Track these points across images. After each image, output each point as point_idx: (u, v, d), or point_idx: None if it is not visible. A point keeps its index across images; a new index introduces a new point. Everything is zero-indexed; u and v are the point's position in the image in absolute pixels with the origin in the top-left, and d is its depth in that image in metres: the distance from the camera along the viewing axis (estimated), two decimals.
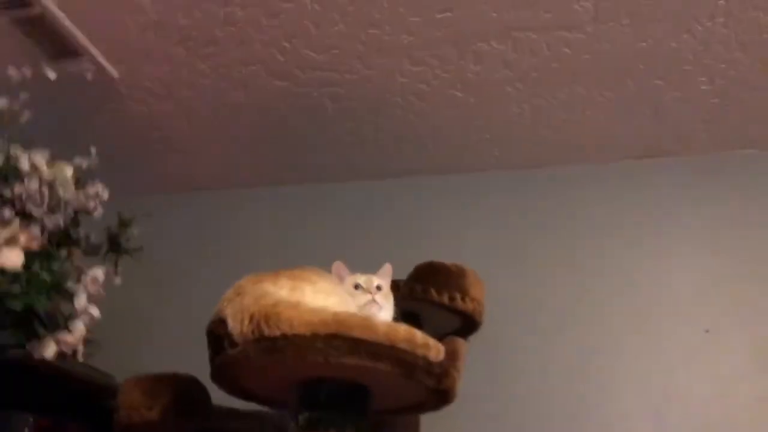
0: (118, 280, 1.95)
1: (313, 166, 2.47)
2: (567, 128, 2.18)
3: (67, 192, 1.64)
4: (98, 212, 1.81)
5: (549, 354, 2.11)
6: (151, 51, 1.97)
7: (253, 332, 1.31)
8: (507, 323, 2.17)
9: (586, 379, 2.06)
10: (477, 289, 1.93)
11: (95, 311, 1.83)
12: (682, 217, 2.20)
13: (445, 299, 1.85)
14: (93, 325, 1.85)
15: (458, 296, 1.86)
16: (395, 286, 1.80)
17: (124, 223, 1.90)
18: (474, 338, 2.13)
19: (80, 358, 1.81)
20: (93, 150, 1.83)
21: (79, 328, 1.77)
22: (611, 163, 2.33)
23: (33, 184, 1.59)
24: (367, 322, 1.30)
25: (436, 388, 1.39)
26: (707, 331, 2.04)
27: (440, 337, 2.04)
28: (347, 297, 1.50)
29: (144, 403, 1.80)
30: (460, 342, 1.43)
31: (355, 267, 2.30)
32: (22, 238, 1.62)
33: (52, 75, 1.94)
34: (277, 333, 1.28)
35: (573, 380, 2.06)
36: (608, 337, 2.10)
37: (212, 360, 1.43)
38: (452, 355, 1.39)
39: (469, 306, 1.89)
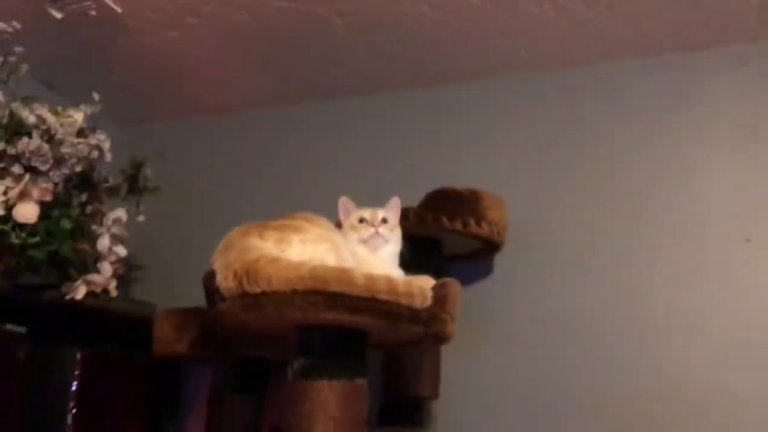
0: (141, 218, 2.01)
1: (330, 83, 2.39)
2: (594, 24, 1.99)
3: (68, 146, 1.65)
4: (108, 158, 1.83)
5: (582, 271, 2.04)
6: None
7: (236, 288, 1.32)
8: (536, 240, 2.10)
9: (621, 295, 1.98)
10: (494, 212, 1.87)
11: (121, 250, 1.91)
12: (720, 116, 2.00)
13: (458, 225, 1.82)
14: (120, 262, 1.92)
15: (472, 221, 1.82)
16: (405, 215, 1.76)
17: (138, 165, 1.93)
18: (501, 256, 2.11)
19: (112, 293, 1.91)
20: (96, 96, 1.83)
21: (106, 268, 1.85)
22: (645, 59, 2.12)
23: (35, 141, 1.61)
24: (345, 275, 1.28)
25: (425, 333, 1.37)
26: (748, 241, 1.90)
27: (462, 258, 2.03)
28: (340, 241, 1.49)
29: (174, 336, 1.90)
30: (450, 285, 1.39)
31: (373, 186, 2.28)
32: (35, 192, 1.67)
33: (57, 15, 1.93)
34: (258, 290, 1.29)
35: (607, 297, 1.99)
36: (643, 251, 2.00)
37: (208, 311, 1.47)
38: (441, 300, 1.36)
39: (485, 230, 1.84)
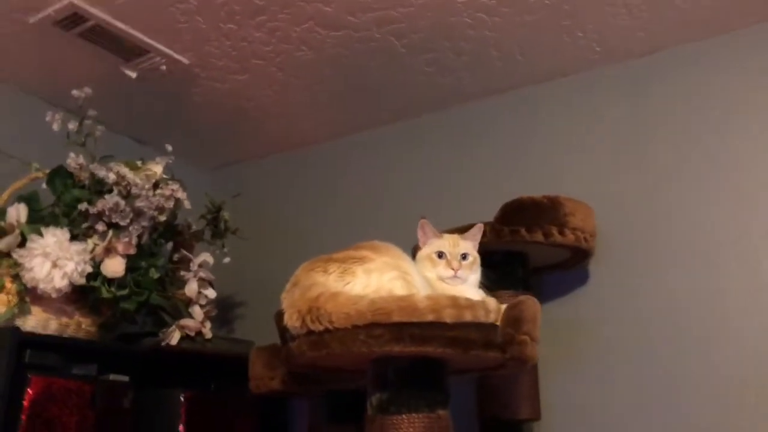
0: (227, 260, 2.06)
1: (396, 105, 2.37)
2: (671, 4, 1.85)
3: (143, 200, 1.71)
4: (186, 205, 1.88)
5: (683, 274, 1.88)
6: (207, 33, 1.97)
7: (301, 327, 1.30)
8: (632, 245, 1.97)
9: (726, 298, 1.81)
10: (578, 218, 1.78)
11: (211, 293, 1.96)
12: None
13: (539, 236, 1.73)
14: (210, 304, 1.97)
15: (554, 230, 1.73)
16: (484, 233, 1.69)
17: (216, 208, 1.97)
18: (596, 263, 1.98)
19: (207, 335, 1.95)
20: (169, 147, 1.89)
21: (197, 312, 1.90)
22: (730, 34, 1.94)
23: (112, 199, 1.68)
24: (406, 302, 1.23)
25: (504, 357, 1.30)
26: None
27: (554, 268, 1.93)
28: (408, 268, 1.44)
29: (266, 374, 1.92)
30: (525, 304, 1.31)
31: (449, 203, 2.23)
32: (119, 246, 1.75)
33: (132, 74, 2.03)
34: (321, 327, 1.27)
35: (711, 301, 1.82)
36: (748, 250, 1.82)
37: (280, 347, 1.46)
38: (515, 321, 1.28)
39: (569, 238, 1.75)
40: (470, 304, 1.23)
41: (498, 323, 1.31)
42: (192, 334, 1.95)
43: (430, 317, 1.22)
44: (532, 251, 1.87)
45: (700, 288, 1.84)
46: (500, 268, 1.79)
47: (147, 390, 1.97)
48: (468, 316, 1.21)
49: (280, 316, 1.43)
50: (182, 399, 2.00)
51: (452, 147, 2.33)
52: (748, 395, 1.71)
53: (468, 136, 2.32)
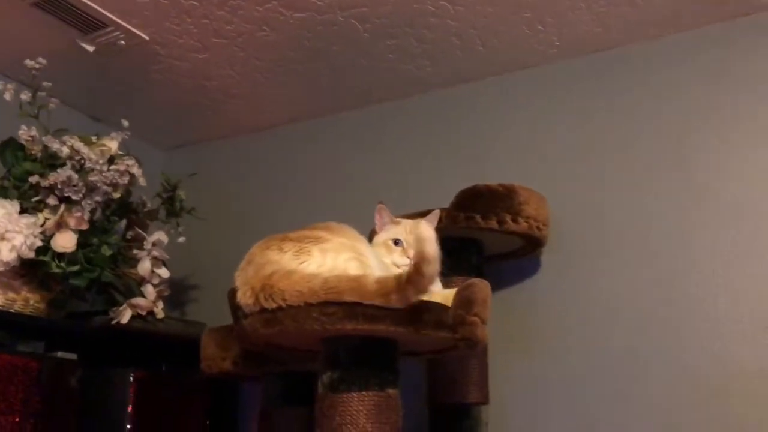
0: (181, 239, 2.04)
1: (357, 90, 2.37)
2: (629, 4, 1.89)
3: (97, 174, 1.69)
4: (141, 182, 1.86)
5: (633, 264, 1.93)
6: (168, 9, 1.95)
7: (254, 304, 1.30)
8: (583, 235, 2.02)
9: (675, 288, 1.87)
10: (531, 206, 1.81)
11: (164, 272, 1.94)
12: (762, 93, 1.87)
13: (494, 224, 1.76)
14: (164, 284, 1.95)
15: (508, 218, 1.76)
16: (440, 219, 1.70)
17: (172, 187, 1.95)
18: (549, 253, 2.02)
19: (159, 315, 1.93)
20: (125, 122, 1.87)
21: (149, 291, 1.88)
22: (690, 31, 2.00)
23: (65, 172, 1.65)
24: (357, 283, 1.25)
25: (455, 338, 1.32)
26: None
27: (506, 256, 1.97)
28: (364, 249, 1.45)
29: (218, 355, 1.91)
30: (476, 286, 1.33)
31: (407, 189, 2.25)
32: (71, 221, 1.72)
33: (89, 48, 1.99)
34: (273, 305, 1.27)
35: (661, 291, 1.89)
36: (698, 240, 1.88)
37: (234, 327, 1.46)
38: (466, 302, 1.30)
39: (522, 226, 1.78)
40: (409, 279, 1.24)
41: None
42: (143, 313, 1.93)
43: (378, 301, 1.23)
44: (486, 239, 1.90)
45: (645, 278, 1.90)
46: (455, 255, 1.80)
47: (95, 369, 1.95)
48: (412, 295, 1.22)
49: (233, 293, 1.43)
50: (131, 379, 1.98)
51: (412, 134, 2.35)
52: (696, 378, 1.77)
53: (427, 124, 2.34)
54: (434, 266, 1.21)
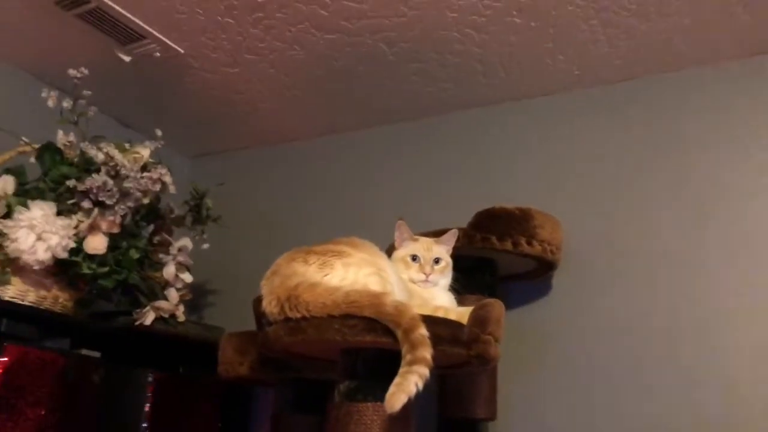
0: (205, 246, 2.11)
1: (381, 109, 2.45)
2: (648, 36, 1.96)
3: (132, 181, 1.76)
4: (171, 190, 1.93)
5: (644, 287, 1.99)
6: (205, 25, 2.03)
7: (279, 313, 1.37)
8: (595, 258, 2.07)
9: (685, 312, 1.92)
10: (546, 230, 1.86)
11: (187, 277, 2.01)
12: None
13: (509, 245, 1.82)
14: (186, 288, 2.02)
15: (523, 241, 1.81)
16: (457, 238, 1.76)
17: (200, 195, 2.02)
18: (560, 275, 2.08)
19: (180, 318, 2.00)
20: (159, 132, 1.94)
21: (173, 295, 1.95)
22: (705, 67, 2.06)
23: (101, 178, 1.72)
24: (376, 300, 1.31)
25: (468, 355, 1.38)
26: None
27: (519, 277, 2.02)
28: (385, 265, 1.51)
29: (236, 359, 1.98)
30: (491, 306, 1.40)
31: (426, 208, 2.31)
32: (103, 225, 1.79)
33: (126, 58, 2.07)
34: (298, 315, 1.34)
35: (671, 314, 1.94)
36: (709, 265, 1.93)
37: (253, 333, 1.53)
38: (481, 321, 1.36)
39: (536, 249, 1.84)
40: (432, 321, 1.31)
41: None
42: (166, 315, 1.99)
43: (391, 325, 1.29)
44: (500, 259, 1.96)
45: (654, 302, 1.96)
46: (470, 274, 1.86)
47: (117, 368, 2.01)
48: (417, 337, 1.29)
49: (258, 302, 1.50)
50: (150, 379, 2.05)
51: (431, 154, 2.42)
52: (707, 404, 1.81)
53: (447, 145, 2.41)
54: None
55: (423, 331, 1.26)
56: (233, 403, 2.32)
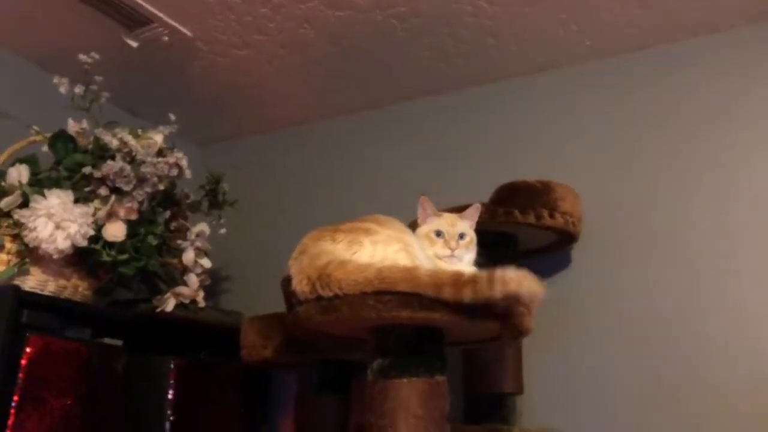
0: (223, 231, 2.09)
1: (393, 87, 2.42)
2: (664, 4, 1.94)
3: (149, 166, 1.74)
4: (187, 175, 1.91)
5: (663, 261, 1.98)
6: (212, 6, 1.99)
7: (311, 292, 1.35)
8: (614, 231, 2.06)
9: (705, 285, 1.91)
10: (567, 203, 1.85)
11: (206, 262, 1.99)
12: None
13: (531, 218, 1.80)
14: (206, 273, 2.00)
15: (545, 213, 1.80)
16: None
17: (216, 180, 2.00)
18: (579, 249, 2.07)
19: (201, 304, 1.99)
20: (172, 117, 1.92)
21: (193, 280, 1.93)
22: (719, 33, 2.04)
23: (118, 164, 1.70)
24: (410, 274, 1.29)
25: (502, 328, 1.37)
26: None
27: (539, 251, 2.01)
28: (411, 240, 1.49)
29: (259, 343, 1.97)
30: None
31: (445, 185, 2.29)
32: (121, 211, 1.77)
33: (133, 43, 2.04)
34: (330, 293, 1.32)
35: (690, 287, 1.93)
36: (729, 238, 1.92)
37: (287, 315, 1.51)
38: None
39: (559, 221, 1.82)
40: (471, 280, 1.29)
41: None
42: (186, 301, 1.98)
43: (430, 292, 1.28)
44: (521, 233, 1.94)
45: (675, 276, 1.95)
46: (491, 249, 1.84)
47: (138, 355, 2.00)
48: (467, 294, 1.27)
49: (287, 281, 1.48)
50: (172, 366, 2.03)
51: (447, 131, 2.40)
52: (721, 377, 1.81)
53: (462, 121, 2.39)
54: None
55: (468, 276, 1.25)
56: (254, 387, 2.31)
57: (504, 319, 1.35)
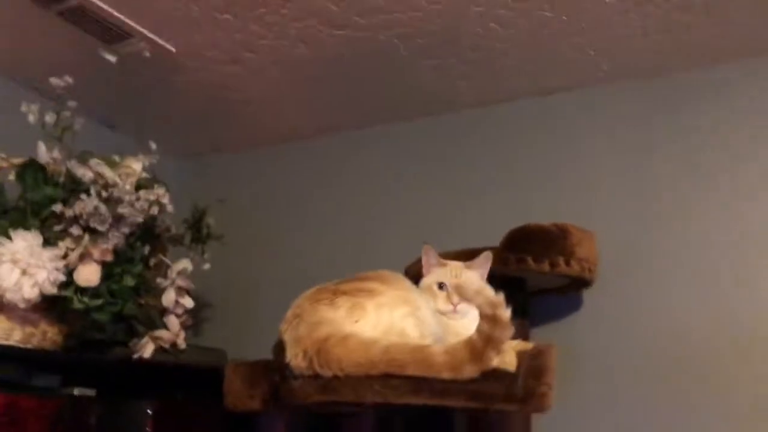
0: (206, 266, 1.93)
1: (393, 107, 2.26)
2: (690, 31, 1.79)
3: (126, 206, 1.57)
4: (169, 209, 1.74)
5: (679, 298, 1.86)
6: (199, 21, 1.82)
7: (308, 369, 1.20)
8: (628, 270, 1.93)
9: (724, 324, 1.79)
10: (585, 248, 1.71)
11: (188, 302, 1.83)
12: None
13: (546, 267, 1.66)
14: (187, 314, 1.85)
15: (561, 261, 1.66)
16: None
17: (200, 214, 1.84)
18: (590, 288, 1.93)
19: (181, 346, 1.83)
20: (153, 145, 1.75)
21: (173, 322, 1.77)
22: (748, 59, 1.90)
23: (92, 202, 1.53)
24: (422, 355, 1.15)
25: (523, 409, 1.22)
26: None
27: (548, 292, 1.87)
28: (419, 301, 1.34)
29: (245, 392, 1.79)
30: (548, 354, 1.23)
31: (455, 212, 2.14)
32: (95, 253, 1.60)
33: (112, 58, 1.87)
34: (329, 373, 1.17)
35: (710, 327, 1.81)
36: (750, 275, 1.80)
37: (281, 385, 1.36)
38: (538, 372, 1.20)
39: (575, 269, 1.68)
40: (486, 338, 1.14)
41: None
42: (166, 346, 1.81)
43: (446, 374, 1.13)
44: (531, 276, 1.80)
45: (692, 318, 1.83)
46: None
47: (113, 403, 1.84)
48: (490, 359, 1.12)
49: (279, 348, 1.33)
50: (150, 412, 1.88)
51: (447, 154, 2.24)
52: (753, 418, 1.70)
53: (465, 145, 2.24)
54: (508, 330, 1.11)
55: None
56: (238, 429, 2.16)
57: (525, 401, 1.20)
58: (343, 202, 2.35)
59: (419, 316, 1.31)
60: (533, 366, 1.21)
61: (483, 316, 1.13)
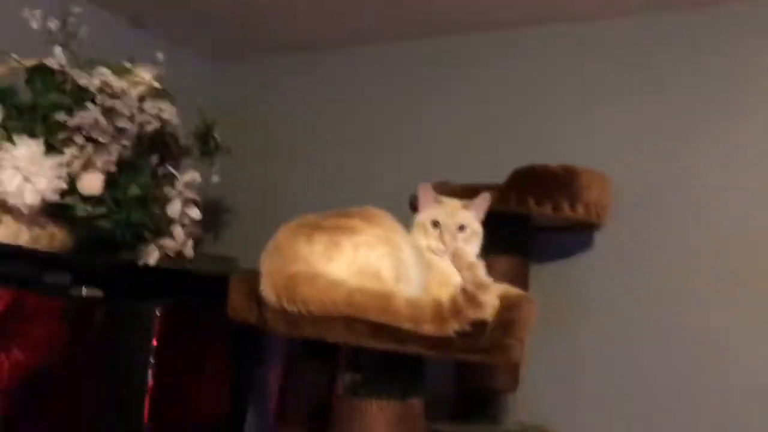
0: (215, 179, 1.94)
1: (420, 21, 2.16)
2: None
3: (125, 121, 1.57)
4: (175, 122, 1.74)
5: (693, 247, 1.81)
6: None
7: (276, 302, 1.22)
8: (641, 213, 1.86)
9: (736, 278, 1.74)
10: (594, 191, 1.65)
11: (195, 213, 1.85)
12: None
13: (548, 210, 1.62)
14: (195, 224, 1.87)
15: (565, 204, 1.61)
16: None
17: (207, 127, 1.84)
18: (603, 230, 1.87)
19: (188, 255, 1.87)
20: (160, 55, 1.73)
21: (179, 233, 1.80)
22: None
23: (91, 114, 1.53)
24: (386, 303, 1.14)
25: (487, 359, 1.21)
26: None
27: (558, 230, 1.82)
28: (401, 242, 1.32)
29: (245, 305, 1.84)
30: (521, 308, 1.21)
31: (460, 132, 2.08)
32: (98, 162, 1.62)
33: None
34: (295, 309, 1.18)
35: (719, 277, 1.77)
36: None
37: (259, 314, 1.38)
38: (506, 325, 1.18)
39: (580, 212, 1.63)
40: (456, 311, 1.13)
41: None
42: (172, 254, 1.86)
43: (407, 325, 1.12)
44: (536, 216, 1.75)
45: (704, 263, 1.79)
46: (499, 231, 1.66)
47: (121, 304, 1.91)
48: (452, 328, 1.11)
49: (257, 276, 1.34)
50: (158, 313, 1.94)
51: (466, 75, 2.16)
52: (747, 370, 1.69)
53: (487, 66, 2.15)
54: (481, 312, 1.09)
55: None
56: (244, 337, 2.23)
57: (490, 352, 1.19)
58: (358, 114, 2.31)
59: (399, 257, 1.29)
60: (503, 319, 1.19)
61: (463, 291, 1.11)
